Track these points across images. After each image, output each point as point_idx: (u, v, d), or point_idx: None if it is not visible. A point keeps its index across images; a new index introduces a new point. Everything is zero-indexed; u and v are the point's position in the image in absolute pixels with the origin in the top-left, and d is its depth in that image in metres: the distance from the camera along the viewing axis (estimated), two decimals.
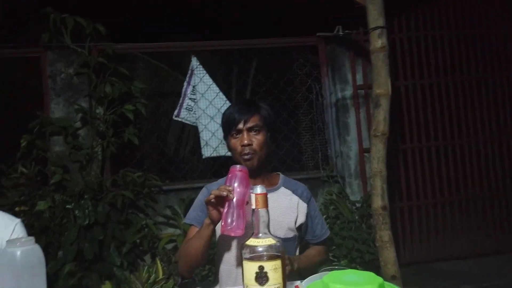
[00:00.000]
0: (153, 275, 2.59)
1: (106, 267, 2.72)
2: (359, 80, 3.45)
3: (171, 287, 2.64)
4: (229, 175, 1.27)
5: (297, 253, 1.56)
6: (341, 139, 3.47)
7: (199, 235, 1.35)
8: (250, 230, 1.01)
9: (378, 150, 2.50)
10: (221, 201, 1.24)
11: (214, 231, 1.35)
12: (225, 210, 1.22)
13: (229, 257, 1.48)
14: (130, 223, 2.97)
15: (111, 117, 3.03)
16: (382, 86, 2.51)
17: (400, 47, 3.59)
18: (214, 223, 1.30)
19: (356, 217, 3.19)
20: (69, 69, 3.13)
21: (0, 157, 2.90)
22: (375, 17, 2.52)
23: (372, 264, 2.76)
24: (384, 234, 2.42)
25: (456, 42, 3.70)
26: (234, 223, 1.20)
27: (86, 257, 2.66)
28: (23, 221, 1.58)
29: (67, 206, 2.76)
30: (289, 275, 1.26)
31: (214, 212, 1.27)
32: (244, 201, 1.24)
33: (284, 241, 1.40)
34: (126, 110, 3.05)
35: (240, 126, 1.45)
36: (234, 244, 1.47)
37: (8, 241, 1.06)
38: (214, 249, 1.56)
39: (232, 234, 1.21)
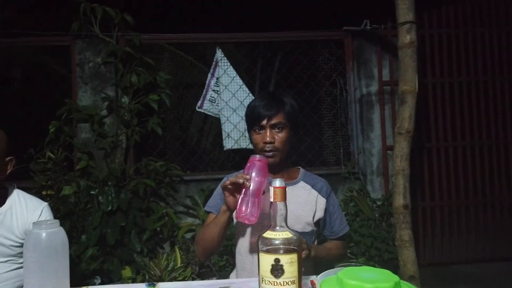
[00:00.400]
0: (172, 263, 2.64)
1: (126, 253, 2.79)
2: (385, 76, 3.38)
3: (189, 275, 2.69)
4: (248, 164, 1.29)
5: None
6: (364, 135, 3.42)
7: (216, 221, 1.38)
8: (268, 223, 1.01)
9: (402, 148, 2.46)
10: (238, 188, 1.26)
11: (230, 218, 1.37)
12: (241, 197, 1.25)
13: (246, 249, 1.50)
14: (151, 211, 3.03)
15: (136, 106, 3.08)
16: (409, 83, 2.46)
17: (430, 43, 3.49)
18: (230, 209, 1.32)
19: (376, 215, 3.14)
20: (97, 58, 3.20)
21: (30, 142, 3.01)
22: (405, 11, 2.46)
23: (390, 263, 2.73)
24: (404, 234, 2.38)
25: (489, 41, 3.57)
26: (248, 211, 1.22)
27: (108, 242, 2.73)
28: (49, 205, 1.65)
29: (91, 192, 2.84)
30: (305, 261, 1.26)
31: (230, 199, 1.30)
32: (261, 190, 1.25)
33: (302, 235, 1.41)
34: (151, 100, 3.10)
35: (264, 122, 1.45)
36: (251, 235, 1.49)
37: (34, 223, 1.10)
38: (232, 241, 1.58)
39: (246, 222, 1.23)
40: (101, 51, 3.19)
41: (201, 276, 2.80)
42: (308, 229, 1.51)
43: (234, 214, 1.37)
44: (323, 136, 3.53)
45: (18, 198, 1.57)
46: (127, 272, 2.70)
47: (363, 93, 3.43)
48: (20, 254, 1.53)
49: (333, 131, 3.52)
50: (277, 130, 1.46)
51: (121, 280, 2.67)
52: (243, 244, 1.52)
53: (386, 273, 0.86)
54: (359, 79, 3.46)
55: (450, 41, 3.52)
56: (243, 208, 1.23)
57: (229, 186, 1.27)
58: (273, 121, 1.45)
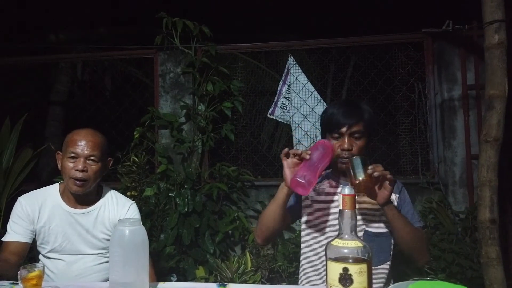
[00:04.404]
0: (242, 266, 2.70)
1: (200, 253, 2.91)
2: (470, 79, 3.13)
3: (259, 279, 2.73)
4: (315, 145, 1.39)
5: (391, 251, 1.50)
6: (445, 143, 3.20)
7: (274, 198, 1.44)
8: (336, 230, 1.00)
9: (489, 157, 2.25)
10: (297, 165, 1.35)
11: (288, 196, 1.41)
12: (301, 166, 1.33)
13: (313, 256, 1.50)
14: (224, 214, 3.13)
15: (211, 113, 3.23)
16: (497, 86, 2.25)
17: None
18: (287, 183, 1.37)
19: (459, 229, 2.91)
20: (177, 68, 3.41)
21: (118, 146, 3.30)
22: (492, 9, 2.26)
23: (475, 282, 2.50)
24: (491, 250, 2.17)
25: None
26: (304, 179, 1.27)
27: (184, 242, 2.88)
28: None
29: (170, 194, 3.02)
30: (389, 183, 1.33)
31: (288, 171, 1.36)
32: (319, 167, 1.32)
33: (376, 236, 1.39)
34: (225, 107, 3.22)
35: (343, 130, 1.46)
36: (318, 243, 1.48)
37: (119, 221, 1.21)
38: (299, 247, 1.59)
39: (300, 190, 1.30)
40: (180, 62, 3.40)
41: (270, 281, 2.82)
42: (382, 229, 1.47)
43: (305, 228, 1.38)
44: (399, 143, 3.37)
45: (111, 196, 1.76)
46: (200, 272, 2.82)
47: (444, 98, 3.21)
48: (108, 248, 1.69)
49: (410, 139, 3.33)
50: (355, 139, 1.46)
51: (195, 279, 2.79)
52: (310, 252, 1.52)
53: None
54: (440, 83, 3.25)
55: None
56: (300, 172, 1.29)
57: (288, 159, 1.36)
58: (353, 129, 1.45)
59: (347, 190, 0.97)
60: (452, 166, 3.16)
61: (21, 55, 3.69)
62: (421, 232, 1.48)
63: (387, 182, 1.31)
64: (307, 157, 1.32)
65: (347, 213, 0.96)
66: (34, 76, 4.15)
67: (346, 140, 1.45)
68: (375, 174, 1.27)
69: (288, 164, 1.37)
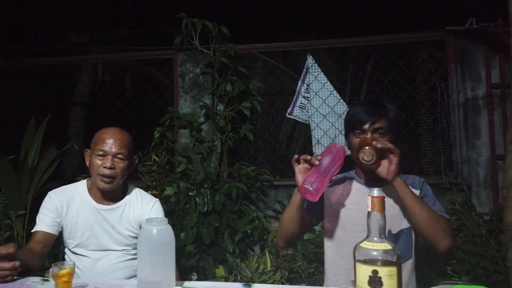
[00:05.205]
0: (262, 265, 2.70)
1: (220, 252, 2.93)
2: (494, 78, 3.06)
3: (278, 279, 2.73)
4: (327, 149, 1.38)
5: (413, 248, 1.47)
6: (469, 143, 3.13)
7: (290, 202, 1.44)
8: (360, 231, 1.00)
9: None
10: (308, 170, 1.35)
11: (303, 200, 1.40)
12: (311, 172, 1.33)
13: (336, 257, 1.49)
14: (243, 213, 3.14)
15: (230, 113, 3.24)
16: None
17: None
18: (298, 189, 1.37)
19: (483, 231, 2.85)
20: (196, 69, 3.43)
21: (139, 146, 3.34)
22: None
23: (500, 286, 2.44)
24: None
25: None
26: (312, 186, 1.28)
27: (204, 241, 2.90)
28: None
29: (190, 193, 3.05)
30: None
31: (299, 176, 1.36)
32: (329, 172, 1.32)
33: (399, 234, 1.38)
34: (243, 107, 3.23)
35: (366, 126, 1.45)
36: (341, 243, 1.48)
37: (147, 220, 1.23)
38: (322, 248, 1.58)
39: (308, 196, 1.30)
40: (199, 62, 3.42)
41: (290, 281, 2.81)
42: (404, 226, 1.45)
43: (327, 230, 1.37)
44: (421, 143, 3.31)
45: (135, 193, 1.80)
46: (220, 271, 2.84)
47: (468, 97, 3.15)
48: (133, 245, 1.72)
49: (432, 138, 3.28)
50: (379, 135, 1.44)
51: (215, 278, 2.81)
52: (335, 254, 1.51)
53: None
54: (463, 82, 3.18)
55: None
56: (308, 179, 1.30)
57: (301, 161, 1.36)
58: (376, 125, 1.44)
59: (376, 192, 0.96)
60: (476, 166, 3.10)
61: (39, 57, 3.76)
62: (439, 215, 1.40)
63: (392, 156, 1.35)
64: (317, 163, 1.31)
65: (376, 215, 0.95)
66: (53, 77, 4.22)
67: (369, 136, 1.43)
68: (378, 145, 1.34)
69: (299, 170, 1.36)
